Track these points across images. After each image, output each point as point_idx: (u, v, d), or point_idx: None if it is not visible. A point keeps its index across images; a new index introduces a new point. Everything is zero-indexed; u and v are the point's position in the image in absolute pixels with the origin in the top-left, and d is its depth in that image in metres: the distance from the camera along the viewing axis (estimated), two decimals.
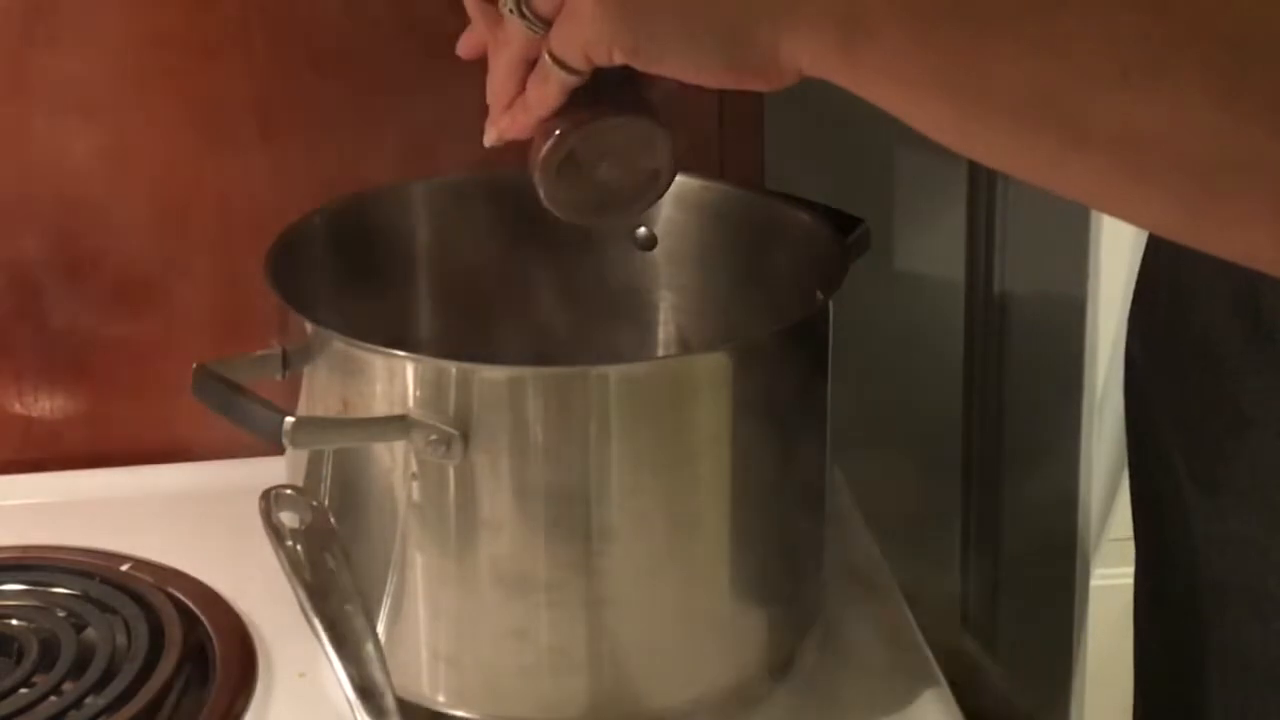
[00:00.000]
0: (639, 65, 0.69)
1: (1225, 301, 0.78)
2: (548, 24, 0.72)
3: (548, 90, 0.74)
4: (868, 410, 1.24)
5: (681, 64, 0.68)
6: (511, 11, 0.73)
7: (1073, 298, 1.28)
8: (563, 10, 0.70)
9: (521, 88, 0.75)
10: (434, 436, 0.79)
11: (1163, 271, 0.86)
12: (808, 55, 0.64)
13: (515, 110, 0.76)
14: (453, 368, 0.80)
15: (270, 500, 0.79)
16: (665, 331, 1.02)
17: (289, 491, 0.80)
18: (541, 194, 0.78)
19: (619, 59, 0.69)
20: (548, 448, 0.80)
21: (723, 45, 0.66)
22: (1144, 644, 0.94)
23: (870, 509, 1.07)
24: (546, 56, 0.72)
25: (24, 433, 1.14)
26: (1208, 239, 0.60)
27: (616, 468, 0.81)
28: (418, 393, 0.80)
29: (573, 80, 0.73)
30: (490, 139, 0.78)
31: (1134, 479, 0.93)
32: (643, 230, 0.99)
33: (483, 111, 0.80)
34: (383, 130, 1.10)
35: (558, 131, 0.76)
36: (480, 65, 0.94)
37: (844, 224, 0.92)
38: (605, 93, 0.74)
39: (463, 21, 0.80)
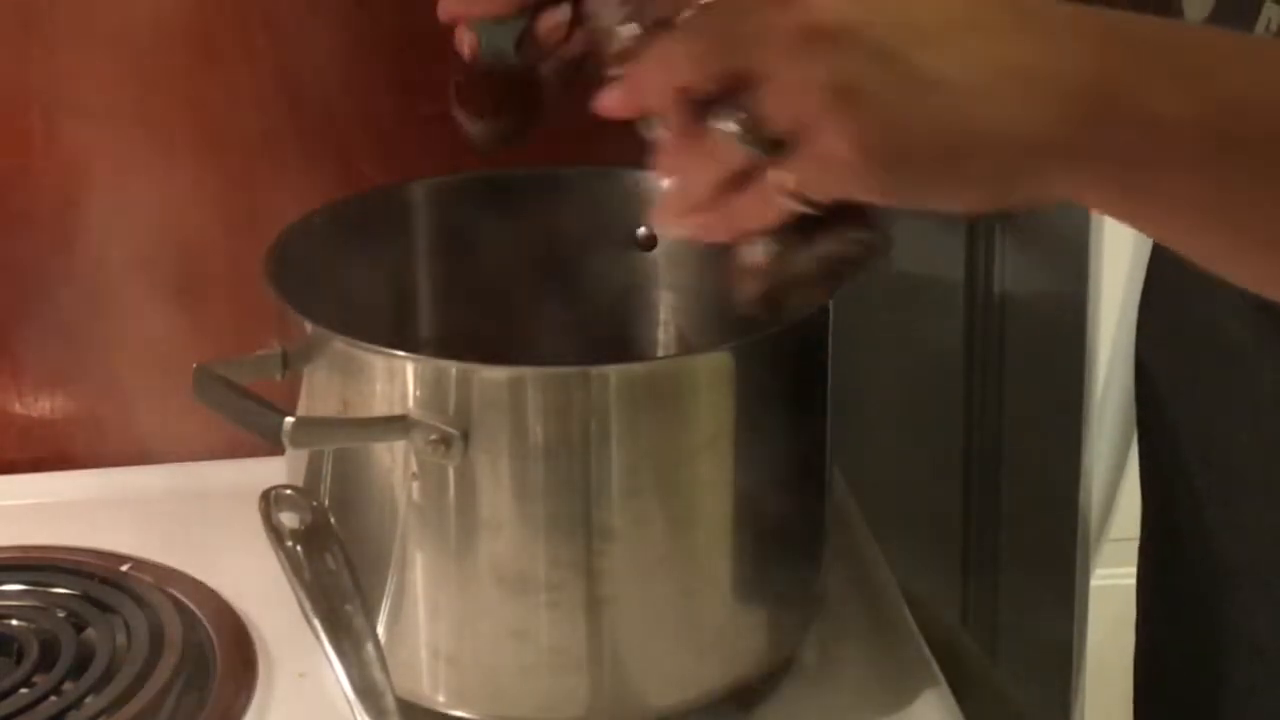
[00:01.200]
0: (891, 205, 0.63)
1: (1235, 295, 0.79)
2: (778, 147, 0.63)
3: (768, 213, 0.65)
4: (868, 410, 1.24)
5: (941, 204, 0.63)
6: (739, 140, 0.63)
7: (1073, 298, 1.28)
8: (806, 146, 0.62)
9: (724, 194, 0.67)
10: (434, 436, 0.79)
11: (1169, 270, 0.86)
12: (1085, 196, 0.62)
13: (716, 217, 0.66)
14: (453, 368, 0.80)
15: (270, 500, 0.79)
16: (665, 331, 1.02)
17: (289, 491, 0.80)
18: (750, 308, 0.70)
19: (868, 199, 0.63)
20: (548, 448, 0.80)
21: (990, 185, 0.62)
22: (1149, 635, 0.94)
23: (870, 509, 1.07)
24: (777, 186, 0.64)
25: (24, 433, 1.14)
26: None
27: (616, 468, 0.81)
28: (418, 393, 0.80)
29: (803, 210, 0.65)
30: (670, 230, 0.73)
31: (1144, 474, 0.93)
32: (643, 230, 0.99)
33: None
34: (382, 130, 1.10)
35: (772, 254, 0.67)
36: None
37: None
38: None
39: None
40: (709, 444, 0.83)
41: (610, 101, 0.68)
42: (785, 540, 0.89)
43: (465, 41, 0.85)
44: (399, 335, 0.94)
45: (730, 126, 0.64)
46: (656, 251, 0.99)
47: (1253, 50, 0.64)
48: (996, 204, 0.63)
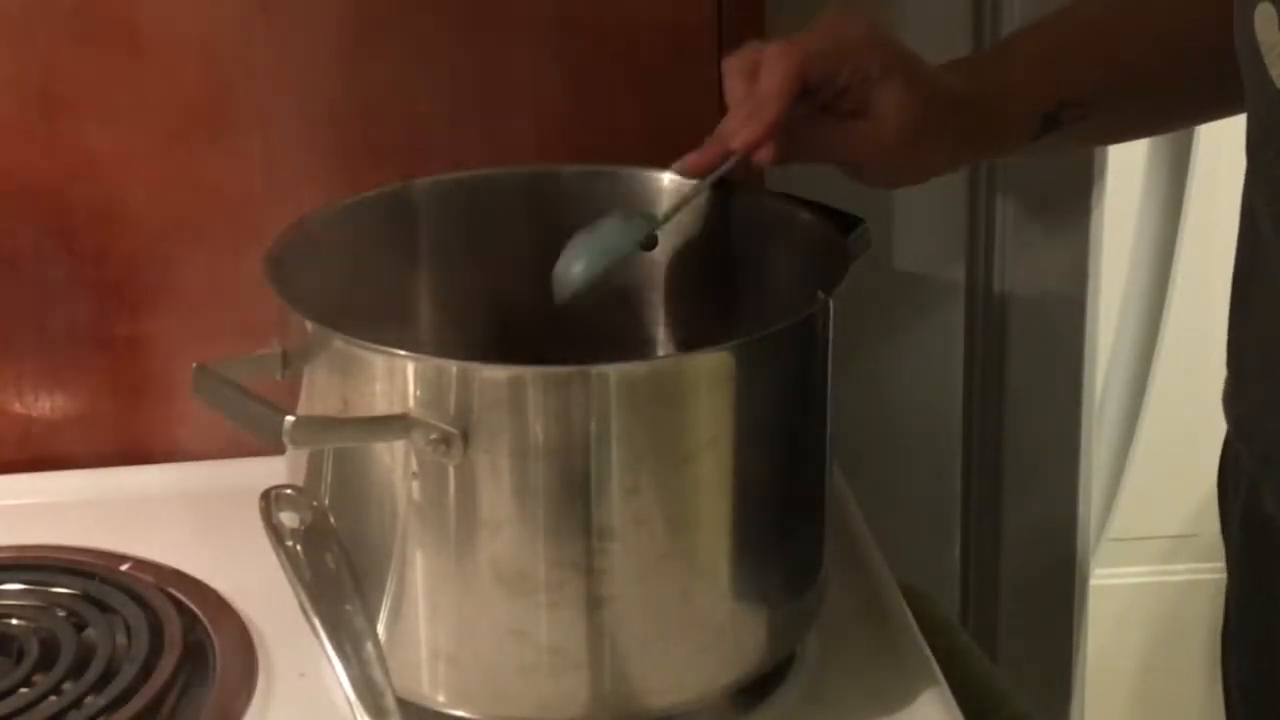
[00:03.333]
0: None
1: None
2: None
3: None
4: (868, 410, 1.24)
5: None
6: None
7: (1073, 298, 1.28)
8: None
9: None
10: (434, 436, 0.79)
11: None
12: None
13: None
14: (453, 367, 0.80)
15: (270, 500, 0.79)
16: (665, 331, 1.02)
17: (289, 491, 0.80)
18: None
19: None
20: (548, 448, 0.80)
21: None
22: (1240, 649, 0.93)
23: (870, 509, 1.07)
24: None
25: (24, 433, 1.14)
26: None
27: (616, 468, 0.81)
28: (418, 392, 0.80)
29: None
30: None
31: (1237, 514, 0.91)
32: None
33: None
34: (384, 130, 1.10)
35: None
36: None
37: (844, 224, 0.92)
38: None
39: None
40: (709, 444, 0.83)
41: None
42: (785, 540, 0.89)
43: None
44: (399, 335, 0.94)
45: None
46: (656, 251, 0.99)
47: None
48: None
